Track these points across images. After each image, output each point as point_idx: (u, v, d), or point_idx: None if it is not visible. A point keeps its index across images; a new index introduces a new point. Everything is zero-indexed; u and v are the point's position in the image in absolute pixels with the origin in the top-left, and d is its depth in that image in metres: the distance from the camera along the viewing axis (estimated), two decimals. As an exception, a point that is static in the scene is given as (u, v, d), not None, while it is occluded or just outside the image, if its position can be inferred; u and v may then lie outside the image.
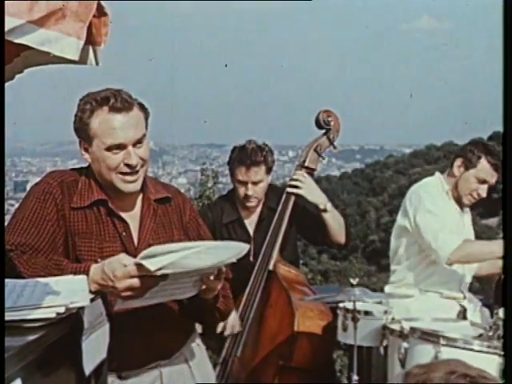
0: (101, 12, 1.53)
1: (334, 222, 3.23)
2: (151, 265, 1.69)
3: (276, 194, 3.30)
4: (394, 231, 3.48)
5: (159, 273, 1.71)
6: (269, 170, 3.23)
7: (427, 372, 1.16)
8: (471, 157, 3.32)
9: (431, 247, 3.23)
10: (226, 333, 3.07)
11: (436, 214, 3.27)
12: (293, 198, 3.25)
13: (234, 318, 3.05)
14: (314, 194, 3.24)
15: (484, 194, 3.32)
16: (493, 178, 3.30)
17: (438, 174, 3.44)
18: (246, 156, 3.17)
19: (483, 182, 3.30)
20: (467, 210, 3.49)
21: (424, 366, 1.20)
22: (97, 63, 1.59)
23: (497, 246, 3.14)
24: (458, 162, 3.36)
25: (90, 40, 1.53)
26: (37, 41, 1.42)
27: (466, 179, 3.32)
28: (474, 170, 3.30)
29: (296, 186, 3.23)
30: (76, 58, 1.49)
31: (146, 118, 2.07)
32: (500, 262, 3.11)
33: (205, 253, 1.76)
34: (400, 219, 3.41)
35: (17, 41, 1.39)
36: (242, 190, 3.20)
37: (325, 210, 3.19)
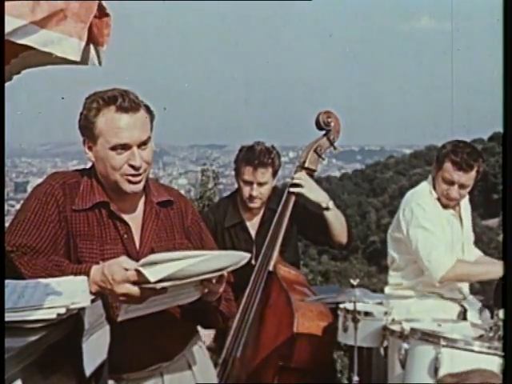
0: (102, 13, 1.54)
1: (336, 220, 3.23)
2: (151, 275, 1.68)
3: (278, 195, 3.30)
4: (389, 240, 3.48)
5: (159, 286, 1.71)
6: (275, 173, 3.25)
7: (459, 382, 1.16)
8: (439, 157, 3.32)
9: (424, 265, 3.26)
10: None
11: (429, 230, 3.27)
12: (293, 198, 3.25)
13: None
14: (315, 192, 3.24)
15: (453, 195, 3.28)
16: (460, 177, 3.25)
17: (430, 178, 3.41)
18: (253, 156, 3.19)
19: (451, 182, 3.28)
20: (465, 205, 3.47)
21: (457, 375, 1.19)
22: (100, 63, 1.59)
23: (488, 268, 3.26)
24: (434, 164, 3.37)
25: (93, 40, 1.53)
26: (39, 42, 1.42)
27: (438, 181, 3.32)
28: (441, 171, 3.29)
29: (298, 185, 3.23)
30: (78, 58, 1.49)
31: (152, 121, 2.07)
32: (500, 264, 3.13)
33: (206, 261, 1.76)
34: (394, 230, 3.41)
35: (19, 42, 1.39)
36: (246, 190, 3.20)
37: (327, 209, 3.20)
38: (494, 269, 3.20)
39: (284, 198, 3.25)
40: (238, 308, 3.06)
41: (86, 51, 1.54)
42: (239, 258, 1.86)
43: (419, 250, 3.26)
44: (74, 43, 1.47)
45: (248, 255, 1.89)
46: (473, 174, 3.26)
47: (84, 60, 1.55)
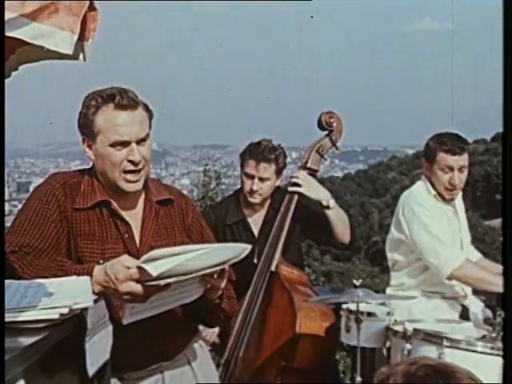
0: (90, 7, 1.51)
1: (338, 219, 3.22)
2: (153, 269, 1.68)
3: (281, 195, 3.30)
4: (389, 242, 3.46)
5: (162, 282, 1.71)
6: (278, 171, 3.25)
7: (392, 367, 1.22)
8: (429, 154, 3.34)
9: (432, 264, 3.25)
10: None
11: (432, 227, 3.26)
12: (295, 198, 3.24)
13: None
14: (315, 190, 3.23)
15: (457, 181, 3.29)
16: (457, 162, 3.27)
17: (423, 178, 3.40)
18: (258, 151, 3.22)
19: (450, 169, 3.29)
20: (459, 202, 3.46)
21: (390, 364, 1.26)
22: (84, 59, 1.57)
23: (496, 279, 3.13)
24: (423, 163, 3.39)
25: (79, 35, 1.51)
26: (30, 35, 1.40)
27: (435, 176, 3.32)
28: (436, 165, 3.30)
29: (296, 184, 3.23)
30: (70, 51, 1.47)
31: (150, 119, 2.09)
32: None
33: (207, 254, 1.76)
34: (395, 232, 3.39)
35: (10, 34, 1.37)
36: (248, 184, 3.21)
37: (328, 207, 3.19)
38: (496, 281, 3.15)
39: (286, 198, 3.25)
40: (240, 307, 3.06)
41: (77, 46, 1.52)
42: (240, 250, 1.86)
43: (425, 250, 3.25)
44: (67, 36, 1.45)
45: (249, 246, 1.88)
46: (466, 155, 3.30)
47: (76, 55, 1.54)
